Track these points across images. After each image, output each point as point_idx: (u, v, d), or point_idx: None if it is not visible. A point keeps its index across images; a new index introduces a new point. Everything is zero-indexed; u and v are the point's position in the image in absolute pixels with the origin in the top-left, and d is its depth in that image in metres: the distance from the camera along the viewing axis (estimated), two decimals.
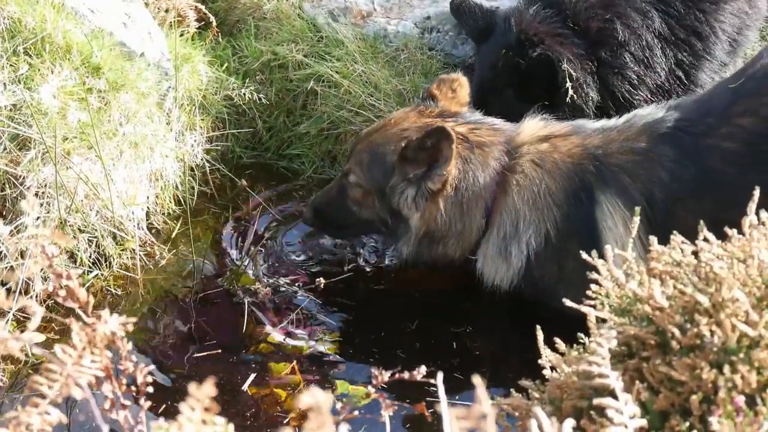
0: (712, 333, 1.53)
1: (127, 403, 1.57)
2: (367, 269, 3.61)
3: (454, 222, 3.14)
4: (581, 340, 1.86)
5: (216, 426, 1.32)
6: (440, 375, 1.42)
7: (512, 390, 1.92)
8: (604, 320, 1.74)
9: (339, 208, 3.34)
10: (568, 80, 3.60)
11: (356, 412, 2.46)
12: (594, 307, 1.77)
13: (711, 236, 1.75)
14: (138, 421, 1.55)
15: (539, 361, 1.87)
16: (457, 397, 2.55)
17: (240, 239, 3.74)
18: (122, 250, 3.48)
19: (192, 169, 3.93)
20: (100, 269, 3.41)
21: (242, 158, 4.32)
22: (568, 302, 1.81)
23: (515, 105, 3.60)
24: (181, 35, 4.29)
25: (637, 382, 1.58)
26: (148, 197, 3.70)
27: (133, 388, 1.59)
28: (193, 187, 3.89)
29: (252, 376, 3.01)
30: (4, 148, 3.20)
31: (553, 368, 1.83)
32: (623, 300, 1.75)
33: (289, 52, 4.37)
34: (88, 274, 3.36)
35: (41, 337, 1.49)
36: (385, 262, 3.64)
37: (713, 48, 3.81)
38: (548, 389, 1.80)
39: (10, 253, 3.09)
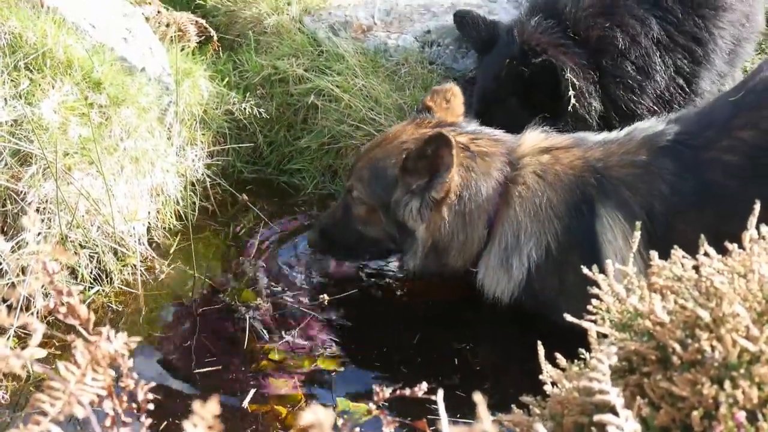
0: (713, 348, 1.52)
1: (128, 420, 1.57)
2: (370, 283, 3.61)
3: (458, 232, 3.13)
4: (582, 356, 1.86)
5: None
6: (440, 392, 1.41)
7: (513, 406, 1.92)
8: (605, 335, 1.74)
9: (345, 229, 3.34)
10: (570, 89, 3.62)
11: (357, 429, 2.48)
12: (595, 322, 1.77)
13: (711, 250, 1.75)
14: None
15: (540, 377, 1.86)
16: (458, 414, 2.54)
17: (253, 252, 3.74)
18: (123, 265, 3.49)
19: (193, 184, 3.93)
20: (101, 285, 3.41)
21: (243, 173, 4.34)
22: (568, 317, 1.81)
23: (519, 114, 3.62)
24: (182, 50, 4.31)
25: (638, 397, 1.58)
26: (149, 212, 3.71)
27: (134, 405, 1.59)
28: (194, 202, 3.88)
29: (252, 393, 2.99)
30: (5, 164, 3.20)
31: (554, 384, 1.83)
32: (624, 315, 1.75)
33: (290, 66, 4.39)
34: (89, 290, 3.36)
35: (43, 353, 1.48)
36: (386, 274, 3.64)
37: (712, 55, 3.83)
38: (549, 405, 1.79)
39: (11, 270, 3.09)
